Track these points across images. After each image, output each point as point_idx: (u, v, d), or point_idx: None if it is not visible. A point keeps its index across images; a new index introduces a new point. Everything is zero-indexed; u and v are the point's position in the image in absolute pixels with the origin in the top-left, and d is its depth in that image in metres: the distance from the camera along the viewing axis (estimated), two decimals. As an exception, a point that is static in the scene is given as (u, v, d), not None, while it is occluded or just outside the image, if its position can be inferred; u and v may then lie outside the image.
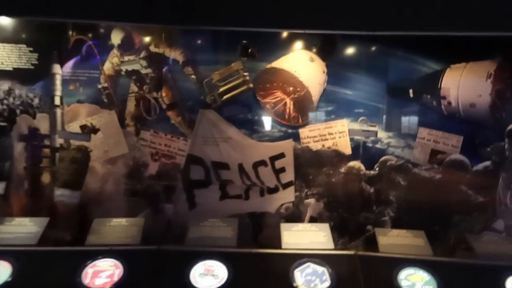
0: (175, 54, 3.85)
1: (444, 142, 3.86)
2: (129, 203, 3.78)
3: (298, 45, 3.95)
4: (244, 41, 3.66)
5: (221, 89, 3.80)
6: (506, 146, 3.78)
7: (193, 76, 3.80)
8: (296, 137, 3.97)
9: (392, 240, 3.47)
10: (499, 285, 2.95)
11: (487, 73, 3.71)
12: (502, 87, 3.76)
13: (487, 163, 3.81)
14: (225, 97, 3.79)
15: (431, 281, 2.97)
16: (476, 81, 3.75)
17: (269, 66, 3.89)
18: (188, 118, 3.91)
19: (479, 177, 3.80)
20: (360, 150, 3.90)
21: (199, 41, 3.87)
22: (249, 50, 3.58)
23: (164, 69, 3.89)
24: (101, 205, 3.67)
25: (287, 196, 3.86)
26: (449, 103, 3.83)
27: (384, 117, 3.95)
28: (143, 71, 3.88)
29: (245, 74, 3.71)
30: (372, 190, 3.89)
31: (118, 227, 3.32)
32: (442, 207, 3.81)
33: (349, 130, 3.85)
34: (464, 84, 3.78)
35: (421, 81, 3.87)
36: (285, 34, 3.88)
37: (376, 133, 3.80)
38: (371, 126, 3.77)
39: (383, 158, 3.90)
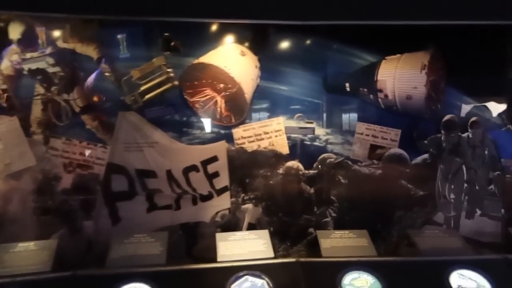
0: (88, 50, 3.47)
1: (383, 136, 3.85)
2: (40, 223, 3.36)
3: (228, 38, 3.78)
4: (166, 34, 3.36)
5: (142, 88, 3.49)
6: (442, 138, 3.84)
7: (109, 74, 3.44)
8: (230, 138, 3.80)
9: (335, 242, 3.40)
10: (443, 281, 2.94)
11: (422, 64, 3.74)
12: (436, 78, 3.81)
13: (425, 156, 3.87)
14: (147, 96, 3.49)
15: (376, 284, 2.89)
16: (411, 72, 3.78)
17: (196, 61, 3.65)
18: (106, 122, 3.57)
19: (418, 170, 3.85)
20: (298, 149, 3.77)
21: (115, 34, 3.51)
22: (172, 44, 3.30)
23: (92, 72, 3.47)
24: (5, 229, 3.22)
25: (223, 202, 3.68)
26: (386, 96, 3.82)
27: (322, 113, 3.85)
28: (50, 69, 3.46)
29: (169, 70, 3.44)
30: (312, 190, 3.80)
31: (25, 253, 2.92)
32: (384, 203, 3.81)
33: (285, 128, 3.69)
34: (399, 76, 3.79)
35: (357, 75, 3.84)
36: (213, 25, 3.66)
37: (313, 130, 3.71)
38: (308, 123, 3.66)
39: (322, 156, 3.83)
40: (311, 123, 3.69)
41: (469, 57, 3.73)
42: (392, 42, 3.78)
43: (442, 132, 3.83)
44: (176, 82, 3.49)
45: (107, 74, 3.48)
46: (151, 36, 3.47)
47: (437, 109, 3.84)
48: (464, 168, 3.83)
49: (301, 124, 3.71)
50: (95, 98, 3.41)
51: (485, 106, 3.95)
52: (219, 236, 3.34)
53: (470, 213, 3.84)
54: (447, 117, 3.82)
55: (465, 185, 3.83)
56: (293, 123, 3.78)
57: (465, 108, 3.91)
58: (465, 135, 3.84)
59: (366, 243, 3.38)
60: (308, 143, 3.84)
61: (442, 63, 3.83)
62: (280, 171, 3.76)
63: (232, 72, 3.66)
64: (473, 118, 3.82)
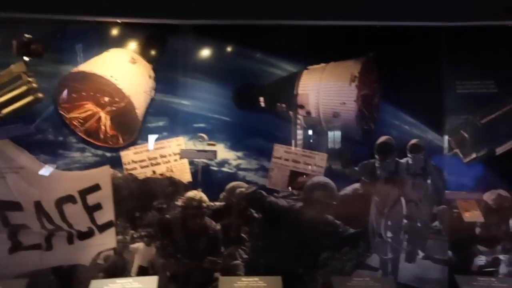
0: None
1: (306, 161, 3.46)
2: None
3: (115, 41, 3.38)
4: (26, 35, 2.93)
5: (-3, 102, 3.06)
6: (376, 164, 3.44)
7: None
8: (117, 163, 3.43)
9: (240, 292, 3.06)
10: None
11: (351, 76, 3.38)
12: (369, 92, 3.47)
13: (356, 185, 3.49)
14: (4, 111, 3.03)
15: None
16: (338, 85, 3.43)
17: (75, 69, 3.31)
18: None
19: (347, 203, 3.45)
20: (202, 176, 3.33)
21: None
22: (32, 47, 2.86)
23: None
24: None
25: (106, 241, 3.33)
26: (308, 113, 3.43)
27: (232, 133, 3.45)
28: None
29: (30, 79, 3.02)
30: (218, 226, 3.45)
31: None
32: (306, 243, 3.42)
33: (180, 151, 3.24)
34: (325, 90, 3.45)
35: (273, 87, 3.48)
36: (96, 25, 3.27)
37: (215, 153, 3.27)
38: (209, 144, 3.21)
39: (231, 185, 3.48)
40: (213, 144, 3.26)
41: (407, 67, 3.36)
42: (316, 49, 3.44)
43: (376, 156, 3.45)
44: (40, 95, 3.09)
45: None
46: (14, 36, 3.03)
47: (370, 129, 3.48)
48: (403, 201, 3.44)
49: (202, 145, 3.25)
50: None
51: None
52: (95, 284, 3.01)
53: (411, 255, 3.51)
54: (382, 139, 3.47)
55: (405, 221, 3.50)
56: (197, 145, 3.34)
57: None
58: (404, 160, 3.43)
59: (277, 295, 3.10)
60: (214, 169, 3.44)
61: (376, 74, 3.46)
62: (179, 202, 3.44)
63: (120, 83, 3.32)
64: (413, 141, 3.44)
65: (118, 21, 3.19)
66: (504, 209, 3.39)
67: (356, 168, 3.45)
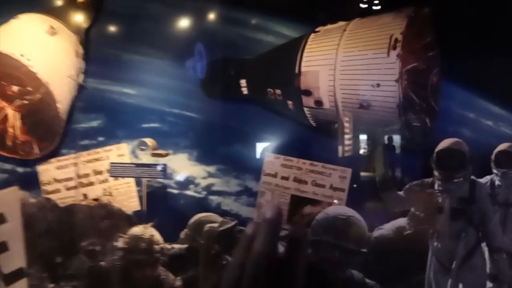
0: None
1: (316, 181, 2.28)
2: None
3: (27, 4, 2.48)
4: None
5: None
6: (436, 186, 2.24)
7: None
8: (31, 182, 2.58)
9: None
10: None
11: (390, 39, 2.15)
12: (420, 65, 2.19)
13: (401, 221, 2.46)
14: None
15: None
16: (369, 56, 2.25)
17: None
18: None
19: (385, 251, 2.32)
20: (144, 204, 2.32)
21: None
22: None
23: None
24: None
25: None
26: (318, 102, 2.31)
27: (199, 136, 2.40)
28: None
29: None
30: (179, 282, 2.46)
31: None
32: None
33: (110, 167, 2.27)
34: (345, 64, 2.23)
35: (261, 63, 2.35)
36: None
37: (164, 168, 2.21)
38: (155, 154, 2.17)
39: (197, 217, 2.44)
40: (163, 155, 2.20)
41: (486, 26, 2.07)
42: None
43: (436, 173, 2.25)
44: None
45: None
46: None
47: (423, 127, 2.20)
48: (486, 250, 2.23)
49: (145, 156, 2.23)
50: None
51: None
52: None
53: None
54: (445, 143, 2.29)
55: (489, 284, 2.27)
56: (143, 155, 2.33)
57: None
58: (486, 180, 2.29)
59: None
60: (175, 192, 2.37)
61: (432, 36, 2.21)
62: (120, 244, 2.44)
63: (34, 65, 2.52)
64: (502, 146, 2.27)
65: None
66: None
67: (401, 193, 2.29)
